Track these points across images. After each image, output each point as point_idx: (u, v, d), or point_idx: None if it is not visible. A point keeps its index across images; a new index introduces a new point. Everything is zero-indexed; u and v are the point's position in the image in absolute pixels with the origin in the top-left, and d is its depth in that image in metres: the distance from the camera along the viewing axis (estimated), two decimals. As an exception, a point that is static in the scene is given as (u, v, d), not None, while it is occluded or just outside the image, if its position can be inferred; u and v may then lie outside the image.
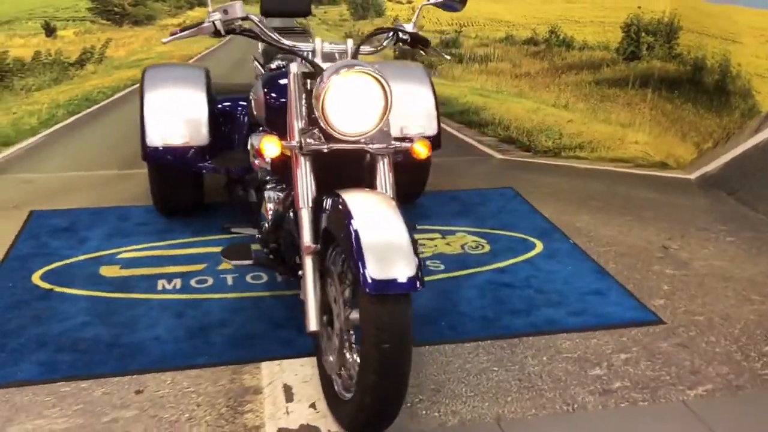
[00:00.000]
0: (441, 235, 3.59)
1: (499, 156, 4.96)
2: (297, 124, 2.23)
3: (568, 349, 2.63)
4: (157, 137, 3.26)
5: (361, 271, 1.80)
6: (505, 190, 4.26)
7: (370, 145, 2.20)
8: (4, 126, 4.15)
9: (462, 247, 3.46)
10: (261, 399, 2.30)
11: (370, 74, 2.07)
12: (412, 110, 3.52)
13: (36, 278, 3.02)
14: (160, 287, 2.97)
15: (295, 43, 2.32)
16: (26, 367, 2.41)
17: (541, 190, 4.30)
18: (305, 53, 2.28)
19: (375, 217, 1.93)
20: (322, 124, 2.10)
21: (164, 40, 2.31)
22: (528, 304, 2.93)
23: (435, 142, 3.53)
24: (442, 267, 3.25)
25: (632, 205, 4.11)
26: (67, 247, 3.33)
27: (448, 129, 4.84)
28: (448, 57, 3.00)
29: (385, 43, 2.49)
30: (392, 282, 1.81)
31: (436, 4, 2.62)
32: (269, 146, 2.11)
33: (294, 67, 2.31)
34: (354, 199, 1.99)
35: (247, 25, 2.31)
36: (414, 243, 1.90)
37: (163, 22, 4.13)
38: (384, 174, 2.24)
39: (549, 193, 4.25)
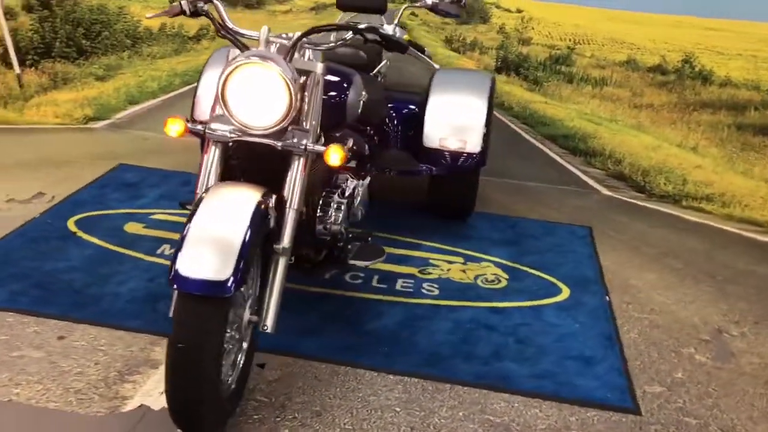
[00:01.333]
0: (464, 260, 3.33)
1: (605, 192, 4.45)
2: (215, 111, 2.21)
3: (495, 412, 2.30)
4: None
5: (173, 262, 1.74)
6: (580, 229, 3.81)
7: (278, 143, 2.11)
8: (132, 87, 4.64)
9: (476, 277, 3.17)
10: (150, 374, 2.33)
11: (270, 68, 1.99)
12: (458, 122, 3.30)
13: (71, 221, 3.35)
14: (159, 251, 3.14)
15: (240, 31, 2.29)
16: (-1, 292, 2.69)
17: (623, 236, 3.78)
18: (246, 40, 2.25)
19: (218, 213, 1.85)
20: (224, 111, 2.06)
21: (148, 15, 2.42)
22: (494, 352, 2.61)
23: (479, 160, 3.28)
24: (435, 293, 3.01)
25: (720, 275, 3.44)
26: (119, 200, 3.65)
27: (550, 153, 4.45)
28: (437, 66, 2.76)
29: (344, 39, 2.35)
30: (196, 281, 1.73)
31: (427, 7, 2.43)
32: (173, 126, 2.12)
33: (232, 53, 2.28)
34: (217, 190, 1.93)
35: (211, 9, 2.34)
36: (246, 247, 1.78)
37: (272, 8, 4.31)
38: (293, 176, 2.13)
39: (627, 241, 3.72)
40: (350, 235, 2.87)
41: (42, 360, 2.34)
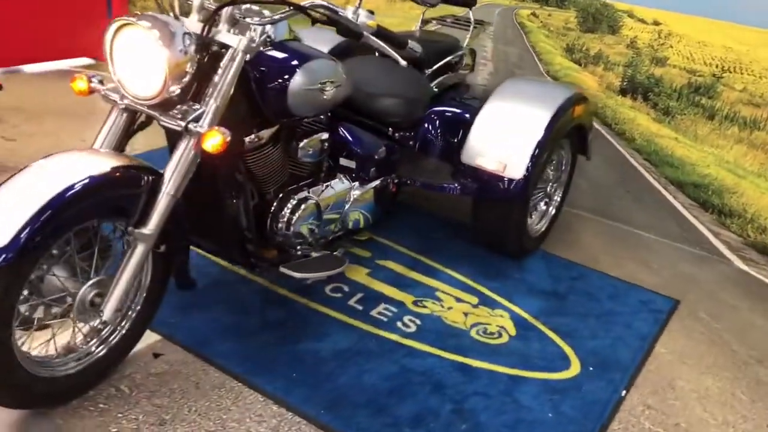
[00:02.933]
0: (477, 301, 2.82)
1: (740, 265, 3.49)
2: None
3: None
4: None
5: None
6: (662, 300, 3.03)
7: (161, 117, 1.91)
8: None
9: (474, 325, 2.66)
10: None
11: (148, 32, 1.79)
12: (504, 140, 2.79)
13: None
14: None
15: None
16: None
17: (717, 323, 2.93)
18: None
19: (38, 175, 1.72)
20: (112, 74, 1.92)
21: None
22: (415, 416, 2.14)
23: (518, 190, 2.75)
24: (410, 330, 2.58)
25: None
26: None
27: (673, 201, 3.64)
28: (403, 63, 2.26)
29: (280, 15, 2.05)
30: (-29, 242, 1.60)
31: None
32: (78, 83, 2.01)
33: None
34: (67, 153, 1.80)
35: None
36: (42, 215, 1.62)
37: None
38: (176, 158, 1.91)
39: (718, 332, 2.87)
40: (323, 240, 2.57)
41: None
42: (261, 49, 2.04)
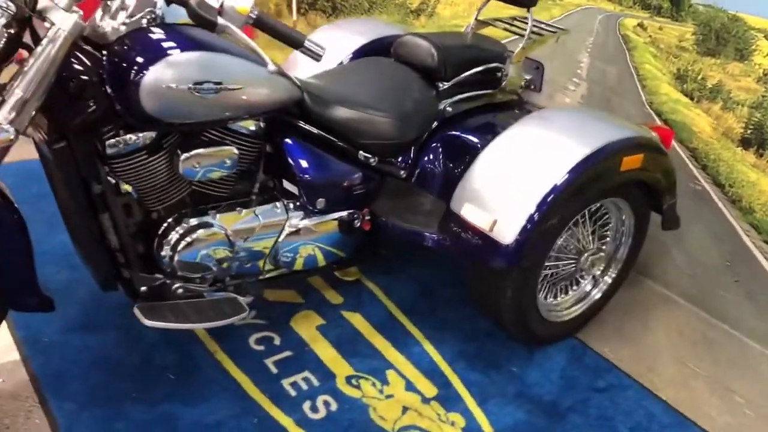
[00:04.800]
0: (435, 394, 2.13)
1: None
2: None
3: None
4: None
5: None
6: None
7: None
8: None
9: (405, 428, 1.99)
10: None
11: None
12: (501, 190, 2.05)
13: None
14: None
15: None
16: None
17: None
18: None
19: None
20: None
21: None
22: None
23: (503, 255, 2.02)
24: (315, 416, 2.00)
25: None
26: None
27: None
28: (272, 66, 1.58)
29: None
30: None
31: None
32: None
33: None
34: None
35: None
36: None
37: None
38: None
39: None
40: (251, 278, 2.09)
41: None
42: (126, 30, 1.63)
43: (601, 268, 2.44)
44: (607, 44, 2.94)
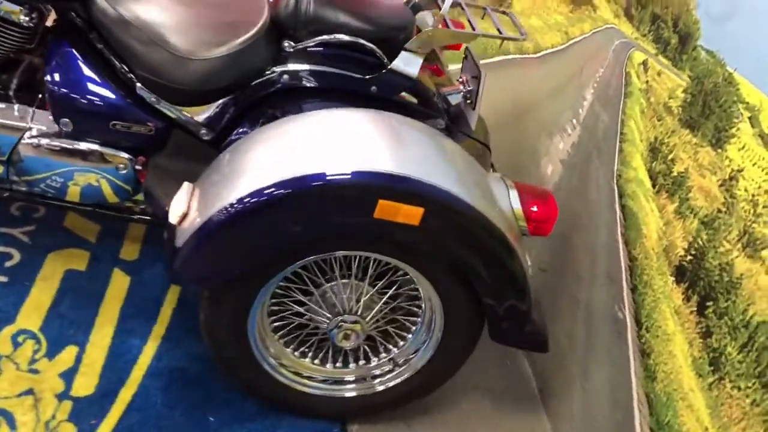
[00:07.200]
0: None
1: None
2: None
3: None
4: None
5: None
6: None
7: None
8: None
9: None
10: None
11: None
12: (221, 177, 1.55)
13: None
14: None
15: None
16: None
17: None
18: None
19: None
20: None
21: None
22: None
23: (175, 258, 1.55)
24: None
25: None
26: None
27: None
28: None
29: None
30: None
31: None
32: None
33: None
34: None
35: None
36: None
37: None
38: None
39: None
40: None
41: None
42: None
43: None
44: (611, 82, 2.09)
